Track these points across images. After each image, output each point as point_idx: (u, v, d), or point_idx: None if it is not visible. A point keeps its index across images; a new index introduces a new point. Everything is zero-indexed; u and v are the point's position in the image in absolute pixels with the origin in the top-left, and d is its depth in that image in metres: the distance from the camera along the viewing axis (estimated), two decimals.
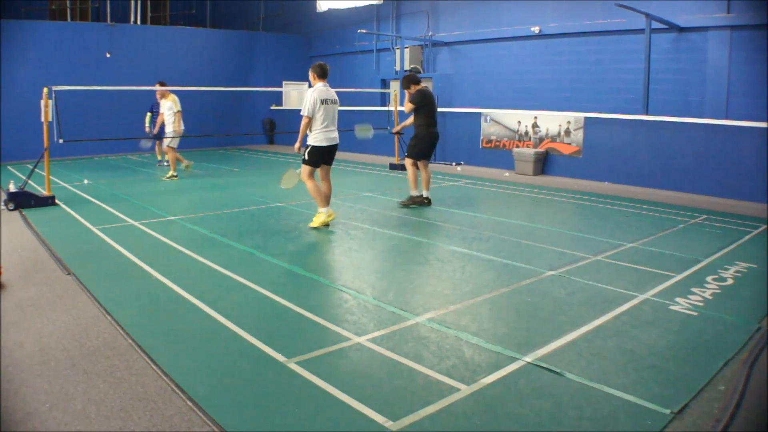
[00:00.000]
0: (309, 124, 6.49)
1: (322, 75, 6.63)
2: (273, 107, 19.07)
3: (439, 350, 3.43)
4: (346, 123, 16.87)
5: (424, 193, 8.15)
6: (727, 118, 10.21)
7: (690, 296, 4.44)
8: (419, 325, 3.82)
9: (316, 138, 6.53)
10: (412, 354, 3.37)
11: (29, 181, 8.58)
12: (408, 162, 8.15)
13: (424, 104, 7.97)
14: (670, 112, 10.80)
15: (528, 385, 3.02)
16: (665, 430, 2.62)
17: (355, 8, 17.64)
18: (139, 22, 17.75)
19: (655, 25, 10.79)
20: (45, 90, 8.05)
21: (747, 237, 6.58)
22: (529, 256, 5.60)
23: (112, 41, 16.20)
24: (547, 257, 5.54)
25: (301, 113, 6.49)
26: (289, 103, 19.86)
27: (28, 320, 3.88)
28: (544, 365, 3.23)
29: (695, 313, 4.09)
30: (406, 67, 16.20)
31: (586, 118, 11.30)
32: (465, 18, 15.25)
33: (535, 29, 13.50)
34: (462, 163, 13.59)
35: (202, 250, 5.67)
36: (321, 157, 6.65)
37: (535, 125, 12.19)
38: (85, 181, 10.26)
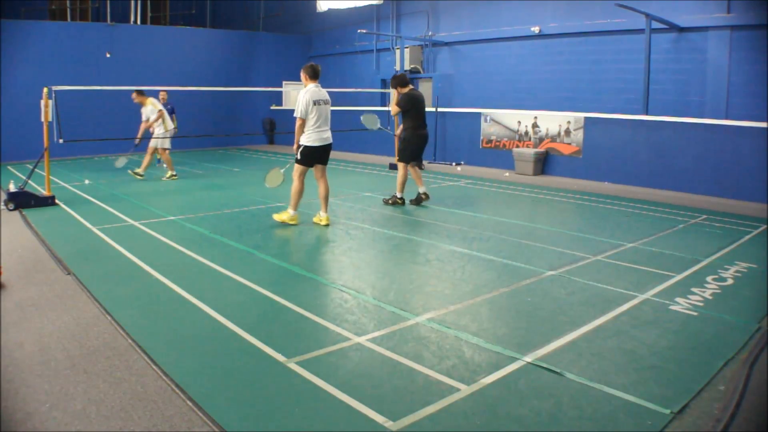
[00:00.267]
0: (303, 126, 6.55)
1: (314, 76, 6.67)
2: (273, 107, 19.07)
3: (439, 350, 3.43)
4: (346, 123, 16.87)
5: (422, 189, 8.24)
6: (727, 118, 10.20)
7: (690, 296, 4.44)
8: (419, 325, 3.82)
9: (309, 138, 6.58)
10: (412, 354, 3.37)
11: (29, 181, 8.58)
12: (401, 165, 8.26)
13: (410, 108, 8.03)
14: (670, 112, 10.79)
15: (528, 385, 3.02)
16: (665, 430, 2.62)
17: (355, 8, 17.63)
18: (139, 22, 17.75)
19: (655, 25, 10.79)
20: (45, 90, 8.05)
21: (747, 237, 6.58)
22: (529, 256, 5.60)
23: (112, 41, 16.20)
24: (547, 257, 5.54)
25: (294, 115, 6.55)
26: (289, 103, 19.84)
27: (28, 320, 3.88)
28: (544, 365, 3.23)
29: (695, 313, 4.09)
30: (407, 67, 16.20)
31: (586, 118, 11.30)
32: (465, 18, 15.25)
33: (535, 29, 13.50)
34: (462, 163, 13.59)
35: (202, 250, 5.67)
36: (314, 156, 6.70)
37: (535, 125, 12.19)
38: (86, 182, 10.26)
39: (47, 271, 5.01)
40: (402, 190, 8.27)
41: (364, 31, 16.72)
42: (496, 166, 12.76)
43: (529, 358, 3.31)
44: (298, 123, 6.53)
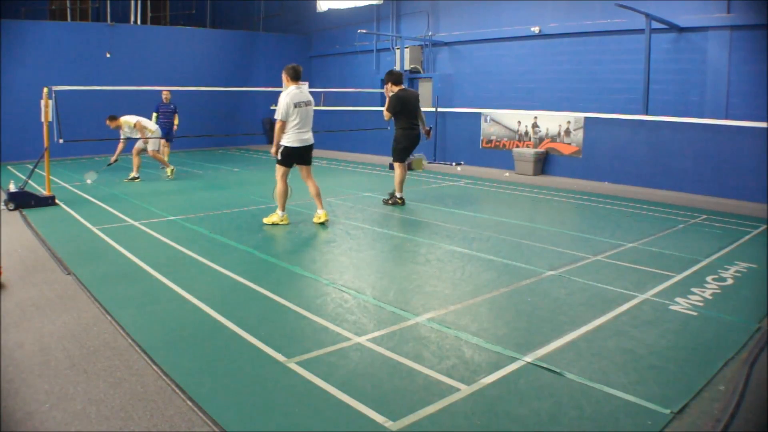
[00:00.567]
0: (284, 128, 6.61)
1: (295, 77, 6.69)
2: (273, 107, 19.03)
3: (439, 350, 3.43)
4: (347, 123, 16.89)
5: (397, 193, 8.38)
6: (727, 118, 10.19)
7: (690, 296, 4.44)
8: (419, 325, 3.82)
9: (289, 139, 6.64)
10: (412, 354, 3.37)
11: (29, 181, 8.58)
12: (397, 165, 8.29)
13: (401, 108, 8.07)
14: (670, 112, 10.79)
15: (528, 385, 3.02)
16: (665, 430, 2.62)
17: (355, 8, 17.62)
18: (139, 22, 17.74)
19: (655, 25, 10.78)
20: (45, 90, 8.05)
21: (747, 237, 6.58)
22: (529, 256, 5.60)
23: (112, 41, 16.19)
24: (547, 257, 5.54)
25: (275, 117, 6.60)
26: None
27: (28, 320, 3.88)
28: (544, 365, 3.23)
29: (695, 313, 4.09)
30: (407, 66, 16.20)
31: (586, 118, 11.30)
32: (465, 18, 15.24)
33: (535, 29, 13.49)
34: (462, 163, 13.59)
35: (202, 250, 5.67)
36: (294, 157, 6.75)
37: (535, 125, 12.19)
38: (88, 181, 10.24)
39: (47, 271, 5.01)
40: (401, 190, 8.31)
41: (364, 31, 16.71)
42: (496, 166, 12.76)
43: (529, 358, 3.31)
44: (278, 125, 6.60)
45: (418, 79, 16.37)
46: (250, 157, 15.53)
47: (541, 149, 11.98)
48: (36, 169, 8.43)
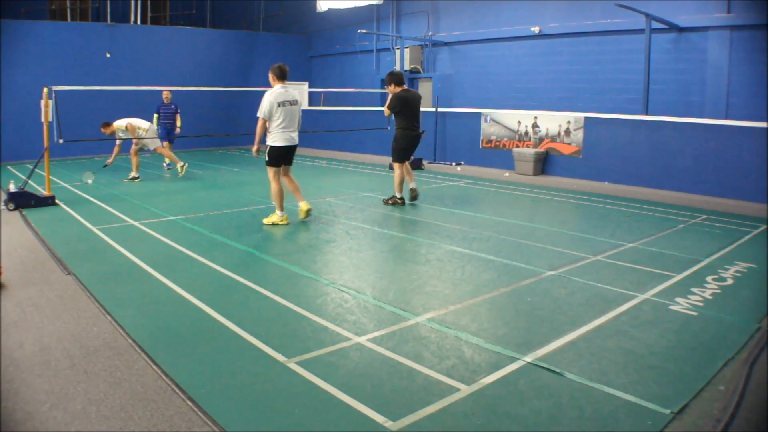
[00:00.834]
0: (265, 126, 6.64)
1: (281, 77, 6.70)
2: None
3: (439, 350, 3.43)
4: (347, 123, 16.88)
5: (412, 185, 8.35)
6: (727, 118, 10.20)
7: (690, 296, 4.44)
8: (419, 325, 3.82)
9: (274, 138, 6.66)
10: (412, 354, 3.37)
11: (29, 181, 8.58)
12: (396, 165, 8.29)
13: (401, 108, 8.04)
14: (670, 112, 10.79)
15: (528, 385, 3.02)
16: (665, 430, 2.62)
17: (355, 8, 17.62)
18: (139, 22, 17.74)
19: (655, 25, 10.78)
20: (45, 90, 8.05)
21: (747, 237, 6.58)
22: (529, 256, 5.60)
23: (112, 41, 16.19)
24: (547, 257, 5.54)
25: (257, 115, 6.62)
26: None
27: (28, 320, 3.88)
28: (544, 365, 3.23)
29: (695, 313, 4.09)
30: (407, 67, 16.20)
31: (586, 118, 11.30)
32: (465, 18, 15.25)
33: (535, 29, 13.49)
34: (462, 163, 13.58)
35: (202, 250, 5.67)
36: (281, 156, 6.78)
37: (535, 125, 12.18)
38: (88, 181, 10.23)
39: (47, 271, 5.01)
40: (400, 190, 8.30)
41: (364, 31, 16.71)
42: (496, 166, 12.75)
43: (529, 358, 3.31)
44: (259, 123, 6.62)
45: (418, 79, 16.38)
46: (250, 157, 15.52)
47: (541, 149, 11.98)
48: (36, 169, 8.43)
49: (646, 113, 10.80)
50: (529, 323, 3.91)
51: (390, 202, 8.35)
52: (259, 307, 4.16)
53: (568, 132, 11.56)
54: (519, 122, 12.49)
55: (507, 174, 12.00)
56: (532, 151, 11.86)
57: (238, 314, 3.97)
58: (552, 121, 11.85)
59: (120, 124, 10.41)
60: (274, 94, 6.58)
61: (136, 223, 6.93)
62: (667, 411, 2.75)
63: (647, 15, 10.50)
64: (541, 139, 12.07)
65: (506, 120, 12.76)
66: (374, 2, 16.50)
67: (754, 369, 3.23)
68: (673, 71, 11.36)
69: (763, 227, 7.09)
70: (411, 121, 8.16)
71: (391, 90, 8.18)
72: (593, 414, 2.74)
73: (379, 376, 3.09)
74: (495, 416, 2.72)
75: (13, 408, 2.75)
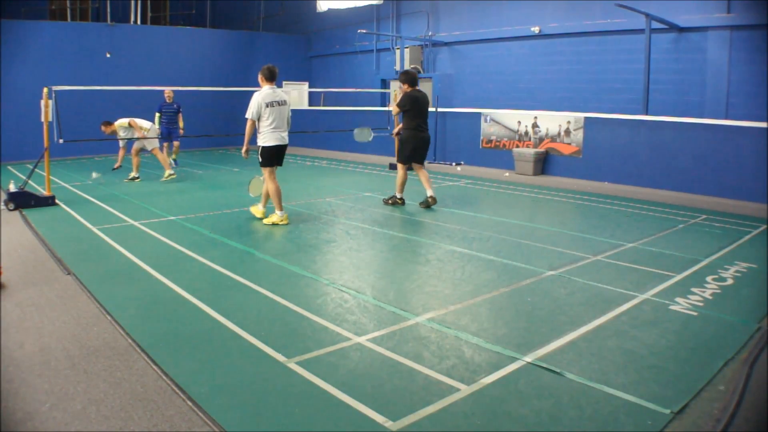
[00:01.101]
0: (254, 127, 6.70)
1: (270, 78, 6.76)
2: None
3: (439, 350, 3.43)
4: (347, 123, 16.88)
5: (429, 192, 8.10)
6: (727, 118, 10.20)
7: (690, 296, 4.44)
8: (419, 325, 3.82)
9: (265, 138, 6.71)
10: (412, 354, 3.36)
11: (29, 181, 8.58)
12: (400, 166, 8.22)
13: (411, 108, 7.95)
14: (670, 112, 10.79)
15: (528, 385, 3.02)
16: (665, 430, 2.62)
17: (355, 8, 17.63)
18: (139, 22, 17.74)
19: (655, 25, 10.78)
20: (45, 90, 8.05)
21: (747, 237, 6.58)
22: (529, 256, 5.60)
23: (112, 41, 16.19)
24: (547, 257, 5.54)
25: (245, 116, 6.68)
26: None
27: (28, 320, 3.88)
28: (544, 365, 3.23)
29: (695, 313, 4.09)
30: (406, 67, 16.20)
31: (586, 118, 11.30)
32: (465, 18, 15.25)
33: (535, 29, 13.49)
34: (462, 163, 13.58)
35: (202, 250, 5.67)
36: (274, 156, 6.83)
37: (535, 125, 12.18)
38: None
39: (47, 271, 5.01)
40: (401, 191, 8.25)
41: (364, 31, 16.72)
42: (496, 166, 12.75)
43: (529, 358, 3.31)
44: (248, 124, 6.68)
45: (418, 79, 16.37)
46: (250, 157, 15.51)
47: (541, 149, 11.98)
48: (36, 169, 8.43)
49: (646, 113, 10.80)
50: (529, 323, 3.91)
51: (390, 201, 8.32)
52: (259, 307, 4.16)
53: (568, 132, 11.56)
54: (519, 122, 12.49)
55: (507, 174, 12.00)
56: (532, 151, 11.86)
57: (238, 314, 3.97)
58: (552, 121, 11.85)
59: (122, 121, 10.33)
60: (262, 94, 6.64)
61: (136, 223, 6.94)
62: (667, 411, 2.75)
63: (647, 15, 10.50)
64: (541, 139, 12.07)
65: (506, 120, 12.76)
66: (374, 2, 16.50)
67: (754, 369, 3.23)
68: (673, 71, 11.36)
69: (763, 227, 7.09)
70: (419, 121, 8.02)
71: (404, 89, 8.07)
72: (593, 414, 2.74)
73: (379, 376, 3.09)
74: (495, 416, 2.72)
75: (13, 408, 2.74)
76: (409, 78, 8.10)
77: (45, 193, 8.28)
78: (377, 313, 4.04)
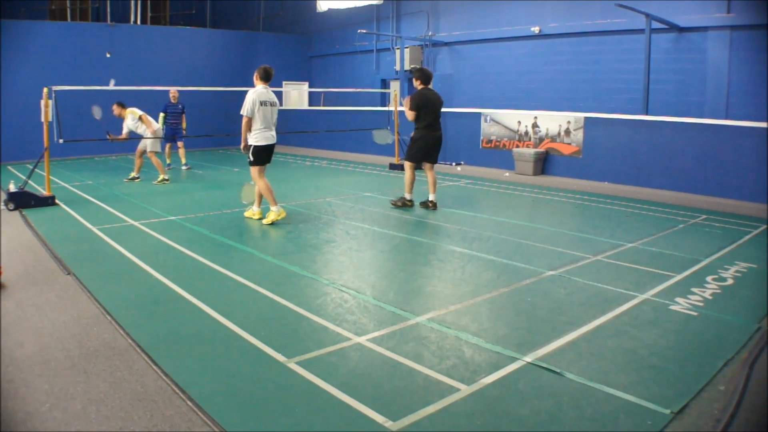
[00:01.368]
0: (249, 123, 6.75)
1: (265, 78, 6.88)
2: None
3: (439, 350, 3.43)
4: (347, 123, 16.87)
5: (430, 197, 8.01)
6: (727, 118, 10.20)
7: (690, 296, 4.44)
8: (419, 325, 3.82)
9: (257, 138, 6.79)
10: (412, 354, 3.36)
11: (29, 181, 8.58)
12: (407, 165, 8.06)
13: (422, 106, 7.76)
14: (670, 112, 10.79)
15: (528, 385, 3.02)
16: (665, 430, 2.62)
17: (355, 8, 17.65)
18: (139, 22, 17.75)
19: (655, 25, 10.79)
20: (45, 90, 8.05)
21: (747, 237, 6.58)
22: (529, 256, 5.60)
23: (112, 41, 16.20)
24: (547, 257, 5.54)
25: (241, 113, 6.73)
26: (289, 103, 19.86)
27: (28, 320, 3.88)
28: (544, 365, 3.23)
29: (695, 313, 4.09)
30: (407, 67, 16.20)
31: (586, 118, 11.30)
32: (465, 18, 15.25)
33: (535, 29, 13.50)
34: (462, 163, 13.58)
35: (202, 250, 5.67)
36: (264, 155, 6.91)
37: (535, 125, 12.18)
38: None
39: (47, 271, 5.01)
40: (411, 191, 8.01)
41: (364, 31, 16.72)
42: (496, 166, 12.75)
43: (529, 358, 3.31)
44: (244, 121, 6.74)
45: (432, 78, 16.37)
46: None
47: (541, 149, 11.98)
48: (36, 169, 8.42)
49: (646, 113, 10.80)
50: (529, 323, 3.91)
51: (399, 203, 8.05)
52: (259, 307, 4.16)
53: (568, 132, 11.56)
54: (519, 122, 12.49)
55: (507, 174, 12.00)
56: (532, 151, 11.86)
57: (238, 314, 3.97)
58: (552, 121, 11.85)
59: (136, 110, 10.19)
60: (257, 92, 6.72)
61: (136, 223, 6.94)
62: (667, 411, 2.75)
63: (647, 15, 10.50)
64: (541, 139, 12.07)
65: (506, 120, 12.76)
66: (374, 2, 16.51)
67: (754, 369, 3.23)
68: (673, 71, 11.36)
69: (763, 227, 7.09)
70: (431, 120, 7.83)
71: (416, 85, 7.91)
72: (593, 414, 2.74)
73: (379, 376, 3.09)
74: (495, 416, 2.72)
75: (13, 408, 2.74)
76: (424, 75, 7.92)
77: (45, 193, 8.28)
78: (377, 313, 4.04)
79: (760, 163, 8.81)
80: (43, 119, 8.00)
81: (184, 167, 12.47)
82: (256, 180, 6.92)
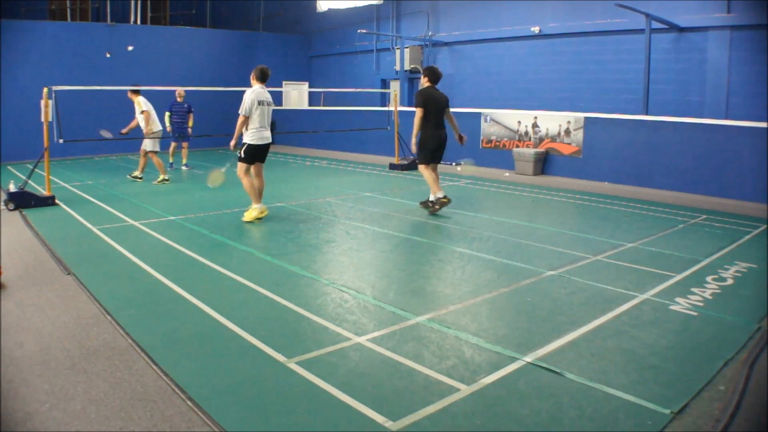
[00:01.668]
0: (245, 123, 6.83)
1: (262, 78, 6.96)
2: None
3: (439, 350, 3.43)
4: (347, 123, 16.85)
5: (431, 197, 7.92)
6: (727, 118, 10.20)
7: (690, 296, 4.44)
8: (419, 325, 3.82)
9: (252, 137, 6.88)
10: (412, 354, 3.36)
11: (29, 181, 8.58)
12: (421, 167, 7.91)
13: (426, 105, 7.63)
14: (670, 112, 10.80)
15: (528, 385, 3.02)
16: (665, 430, 2.62)
17: (355, 8, 17.65)
18: (139, 22, 17.75)
19: (655, 25, 10.79)
20: (45, 90, 8.05)
21: (747, 237, 6.58)
22: (529, 256, 5.60)
23: (112, 41, 16.20)
24: (547, 257, 5.54)
25: (239, 112, 6.79)
26: (289, 103, 19.86)
27: (28, 320, 3.88)
28: (544, 365, 3.23)
29: (695, 313, 4.09)
30: (407, 67, 16.21)
31: (586, 118, 11.30)
32: (465, 18, 15.26)
33: (535, 29, 13.50)
34: (462, 162, 13.58)
35: (202, 250, 5.67)
36: (256, 155, 7.01)
37: (535, 125, 12.18)
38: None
39: (47, 271, 5.01)
40: (438, 188, 7.75)
41: (364, 31, 16.73)
42: (496, 166, 12.75)
43: (529, 358, 3.31)
44: (240, 120, 6.81)
45: (418, 79, 16.38)
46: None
47: (541, 149, 11.98)
48: (36, 169, 8.43)
49: (646, 113, 10.80)
50: (529, 323, 3.91)
51: (437, 207, 7.60)
52: (259, 307, 4.16)
53: (568, 132, 11.56)
54: (519, 122, 12.49)
55: (507, 174, 12.00)
56: (532, 151, 11.86)
57: (238, 314, 3.97)
58: (552, 121, 11.85)
59: (141, 103, 10.14)
60: (255, 92, 6.81)
61: (136, 223, 6.94)
62: (667, 411, 2.75)
63: (647, 15, 10.51)
64: (541, 139, 12.07)
65: (506, 120, 12.76)
66: (374, 2, 16.52)
67: (754, 369, 3.23)
68: (673, 71, 11.37)
69: (763, 227, 7.09)
70: (436, 120, 7.72)
71: (422, 83, 7.84)
72: (593, 414, 2.74)
73: (379, 376, 3.09)
74: (495, 416, 2.72)
75: (13, 408, 2.74)
76: (434, 74, 7.84)
77: (45, 193, 8.28)
78: (377, 313, 4.04)
79: (760, 163, 8.82)
80: (43, 119, 8.00)
81: (184, 167, 12.47)
82: (240, 177, 7.03)
